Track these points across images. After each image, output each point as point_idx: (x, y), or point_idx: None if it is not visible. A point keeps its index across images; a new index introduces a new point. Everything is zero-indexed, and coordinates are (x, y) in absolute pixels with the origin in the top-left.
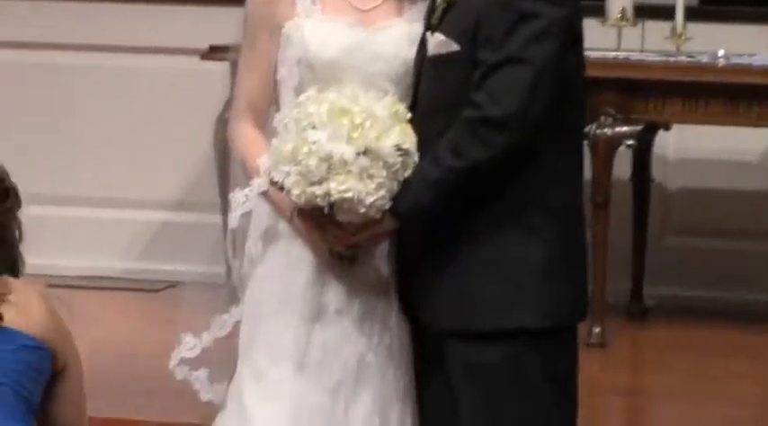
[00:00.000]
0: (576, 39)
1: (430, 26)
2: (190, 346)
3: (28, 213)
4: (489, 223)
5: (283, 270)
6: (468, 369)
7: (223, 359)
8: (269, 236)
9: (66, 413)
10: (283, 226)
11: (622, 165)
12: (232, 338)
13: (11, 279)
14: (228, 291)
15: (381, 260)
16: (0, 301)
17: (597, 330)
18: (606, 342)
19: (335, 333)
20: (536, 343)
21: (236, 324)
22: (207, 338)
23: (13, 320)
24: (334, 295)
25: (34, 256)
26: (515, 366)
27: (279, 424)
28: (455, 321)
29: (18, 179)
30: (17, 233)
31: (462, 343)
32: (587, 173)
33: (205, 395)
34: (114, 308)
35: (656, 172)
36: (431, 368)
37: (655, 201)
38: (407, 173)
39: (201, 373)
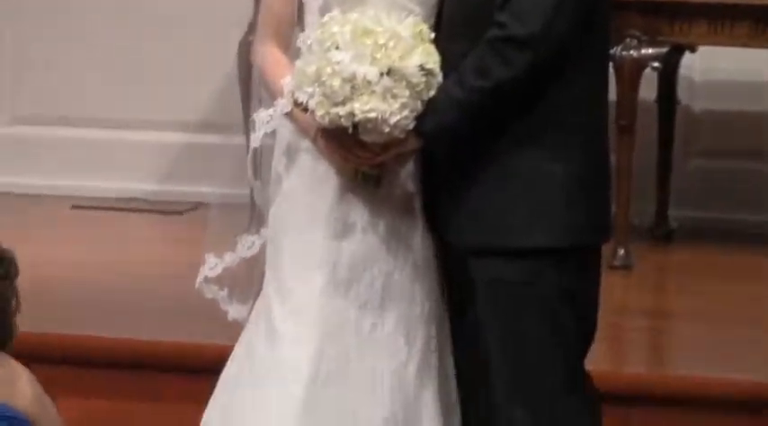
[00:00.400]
0: None
1: None
2: (211, 266)
3: (54, 135)
4: (514, 143)
5: (308, 188)
6: (488, 285)
7: (248, 279)
8: (292, 153)
9: None
10: (307, 145)
11: (648, 87)
12: (258, 257)
13: None
14: (254, 212)
15: (406, 180)
16: None
17: (621, 252)
18: (630, 265)
19: (362, 252)
20: (558, 262)
21: (263, 244)
22: (232, 258)
23: None
24: (359, 214)
25: (59, 178)
26: (536, 283)
27: (308, 341)
28: (478, 240)
29: (43, 100)
30: (13, 303)
31: (484, 260)
32: (612, 95)
33: (232, 315)
34: (138, 230)
35: (682, 94)
36: (457, 287)
37: (680, 123)
38: (431, 93)
39: (227, 292)
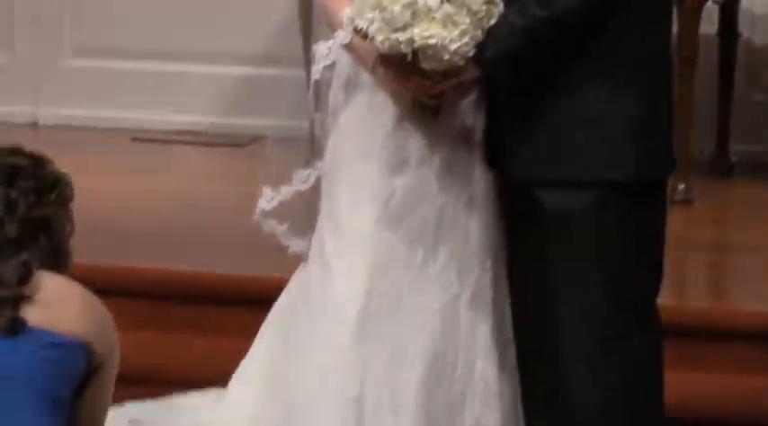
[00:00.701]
0: None
1: None
2: (267, 199)
3: (115, 67)
4: (577, 76)
5: (365, 121)
6: (551, 217)
7: (306, 212)
8: (350, 86)
9: (86, 408)
10: (365, 77)
11: (709, 21)
12: (316, 190)
13: (46, 277)
14: (311, 145)
15: (465, 112)
16: (26, 302)
17: (682, 186)
18: (692, 199)
19: (416, 185)
20: (623, 195)
21: (320, 178)
22: (287, 191)
23: (39, 319)
24: (416, 146)
25: (121, 110)
26: (600, 215)
27: (359, 275)
28: (541, 173)
29: (105, 34)
30: (68, 227)
31: (547, 193)
32: (674, 28)
33: (291, 248)
34: (198, 162)
35: (743, 27)
36: (517, 222)
37: (741, 57)
38: (492, 22)
39: (287, 226)
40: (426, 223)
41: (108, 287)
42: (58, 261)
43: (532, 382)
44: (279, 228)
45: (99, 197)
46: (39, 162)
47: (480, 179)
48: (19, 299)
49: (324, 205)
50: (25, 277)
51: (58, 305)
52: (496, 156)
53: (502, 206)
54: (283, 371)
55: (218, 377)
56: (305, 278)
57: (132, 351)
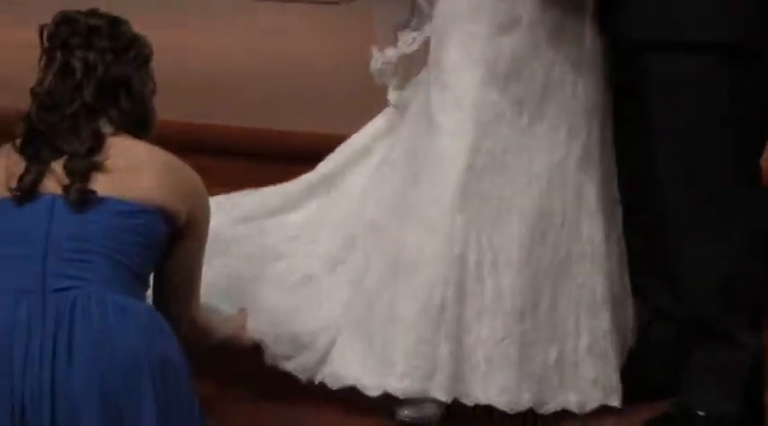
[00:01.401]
0: None
1: None
2: (376, 60)
3: None
4: None
5: None
6: (660, 79)
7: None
8: None
9: (174, 275)
10: None
11: None
12: (420, 51)
13: (119, 142)
14: (416, 6)
15: None
16: (97, 170)
17: None
18: None
19: (525, 46)
20: (732, 57)
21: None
22: (393, 53)
23: (109, 188)
24: (525, 7)
25: None
26: (708, 76)
27: (464, 132)
28: (650, 32)
29: None
30: (150, 86)
31: (656, 54)
32: None
33: (395, 102)
34: (297, 20)
35: None
36: (625, 83)
37: None
38: None
39: (394, 82)
40: (533, 83)
41: (204, 145)
42: (140, 121)
43: (645, 250)
44: (391, 81)
45: (194, 54)
46: (114, 22)
47: (589, 41)
48: (89, 170)
49: (431, 63)
50: (96, 146)
51: (130, 171)
52: (607, 18)
53: (611, 68)
54: (388, 228)
55: None
56: (411, 134)
57: None
